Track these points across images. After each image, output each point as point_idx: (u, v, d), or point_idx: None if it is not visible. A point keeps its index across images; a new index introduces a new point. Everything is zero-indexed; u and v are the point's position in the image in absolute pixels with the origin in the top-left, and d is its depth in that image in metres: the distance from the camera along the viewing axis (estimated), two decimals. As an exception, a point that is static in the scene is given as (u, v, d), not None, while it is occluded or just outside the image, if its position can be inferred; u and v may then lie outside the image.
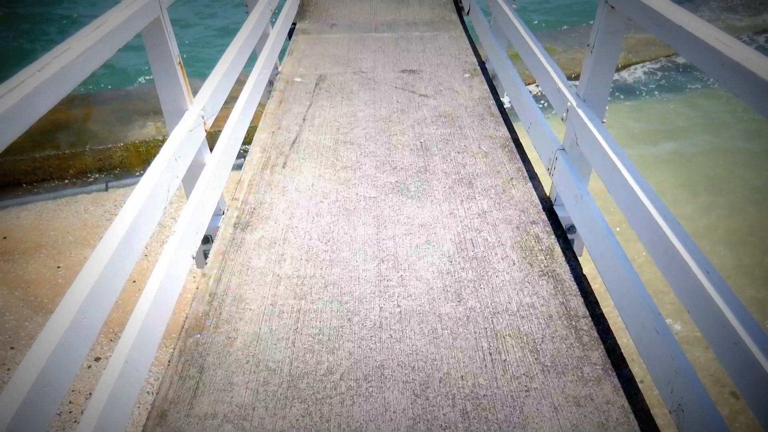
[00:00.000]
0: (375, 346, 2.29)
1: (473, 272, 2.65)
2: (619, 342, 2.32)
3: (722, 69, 1.63)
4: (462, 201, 3.15)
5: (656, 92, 8.64)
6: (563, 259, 2.74)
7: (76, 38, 1.88)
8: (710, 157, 7.07)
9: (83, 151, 6.34)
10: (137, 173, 6.35)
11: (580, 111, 2.73)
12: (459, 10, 6.18)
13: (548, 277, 2.63)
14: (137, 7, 2.27)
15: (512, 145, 3.71)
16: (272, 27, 4.71)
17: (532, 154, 3.58)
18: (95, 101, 7.44)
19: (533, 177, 3.38)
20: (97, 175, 6.35)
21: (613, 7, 2.48)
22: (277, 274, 2.67)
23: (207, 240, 2.87)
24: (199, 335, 2.36)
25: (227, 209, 3.13)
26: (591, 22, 2.86)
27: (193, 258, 2.49)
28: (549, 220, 3.01)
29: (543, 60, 3.33)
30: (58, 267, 4.92)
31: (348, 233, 2.92)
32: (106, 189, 6.09)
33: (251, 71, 3.99)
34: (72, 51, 1.79)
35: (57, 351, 1.46)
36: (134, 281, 4.56)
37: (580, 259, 2.80)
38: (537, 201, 3.16)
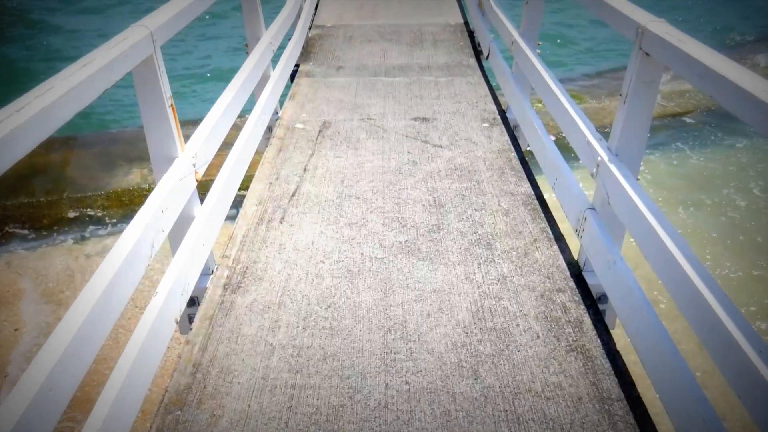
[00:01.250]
0: (380, 429, 2.23)
1: (492, 346, 2.61)
2: (659, 430, 2.25)
3: (773, 125, 1.64)
4: (479, 264, 3.13)
5: (698, 147, 8.71)
6: (594, 332, 2.69)
7: (61, 77, 1.91)
8: (762, 221, 7.04)
9: (60, 199, 6.40)
10: (118, 224, 6.39)
11: (612, 166, 2.73)
12: (477, 53, 6.31)
13: (577, 353, 2.58)
14: (129, 44, 2.32)
15: (536, 202, 3.71)
16: (273, 69, 4.81)
17: (558, 214, 3.58)
18: (77, 145, 7.56)
19: (559, 239, 3.37)
20: (73, 226, 6.39)
21: (648, 54, 2.51)
22: (270, 344, 2.63)
23: (193, 302, 2.84)
24: (179, 412, 2.31)
25: (217, 268, 3.12)
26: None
27: (177, 322, 2.46)
28: (577, 287, 2.98)
29: (570, 109, 3.36)
30: (15, 330, 4.87)
31: (351, 298, 2.89)
32: (83, 241, 6.11)
33: (249, 116, 4.05)
34: (55, 90, 1.81)
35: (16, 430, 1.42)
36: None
37: (612, 332, 2.75)
38: (564, 266, 3.13)
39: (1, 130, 1.54)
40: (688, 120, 9.32)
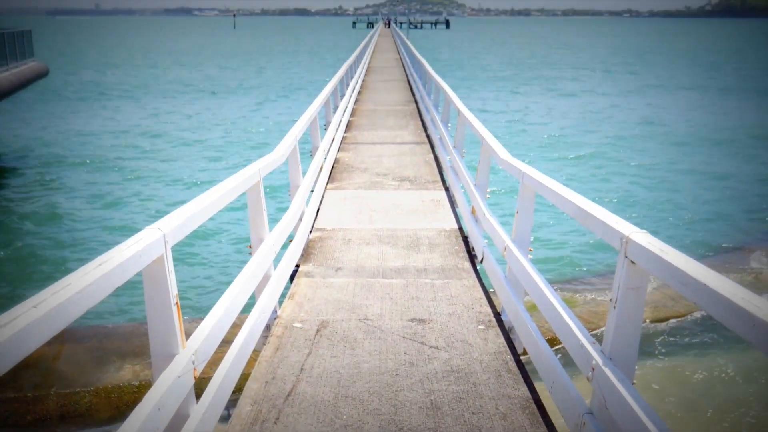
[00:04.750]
0: None
1: None
2: None
3: (753, 330, 1.72)
4: (478, 471, 3.04)
5: (694, 351, 8.70)
6: None
7: (77, 275, 2.02)
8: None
9: (47, 394, 6.26)
10: (103, 425, 6.18)
11: (606, 370, 2.77)
12: (472, 257, 6.55)
13: None
14: (142, 245, 2.47)
15: (533, 406, 3.68)
16: (274, 269, 4.98)
17: (557, 419, 3.54)
18: (70, 338, 7.55)
19: (559, 445, 3.29)
20: (59, 425, 6.18)
21: (633, 263, 2.66)
22: None
23: None
24: None
25: (206, 470, 3.01)
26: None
27: None
28: (580, 498, 2.86)
29: (563, 313, 3.46)
30: None
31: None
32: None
33: (249, 314, 4.13)
34: (71, 288, 1.92)
35: None
36: None
37: None
38: (565, 474, 3.04)
39: (18, 324, 1.62)
40: (684, 324, 9.41)
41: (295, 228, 6.15)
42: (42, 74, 21.16)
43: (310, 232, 7.16)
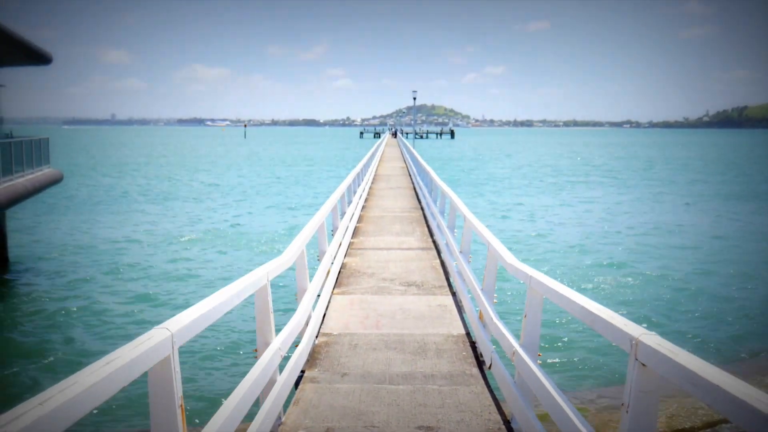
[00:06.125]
0: None
1: None
2: None
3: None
4: None
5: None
6: None
7: (86, 372, 2.02)
8: None
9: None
10: None
11: (622, 480, 2.68)
12: (480, 363, 6.44)
13: None
14: (150, 345, 2.47)
15: None
16: (280, 373, 4.92)
17: None
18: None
19: None
20: None
21: (644, 365, 2.63)
22: None
23: None
24: None
25: None
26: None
27: None
28: None
29: (576, 421, 3.38)
30: None
31: None
32: None
33: (251, 423, 4.05)
34: (78, 385, 1.91)
35: None
36: None
37: None
38: None
39: (24, 421, 1.61)
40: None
41: (302, 332, 6.12)
42: (56, 180, 21.67)
43: (317, 336, 7.10)
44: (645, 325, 2.91)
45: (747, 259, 21.46)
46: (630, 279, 18.29)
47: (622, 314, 3.23)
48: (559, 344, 12.67)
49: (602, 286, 17.54)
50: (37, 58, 19.74)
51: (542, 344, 4.97)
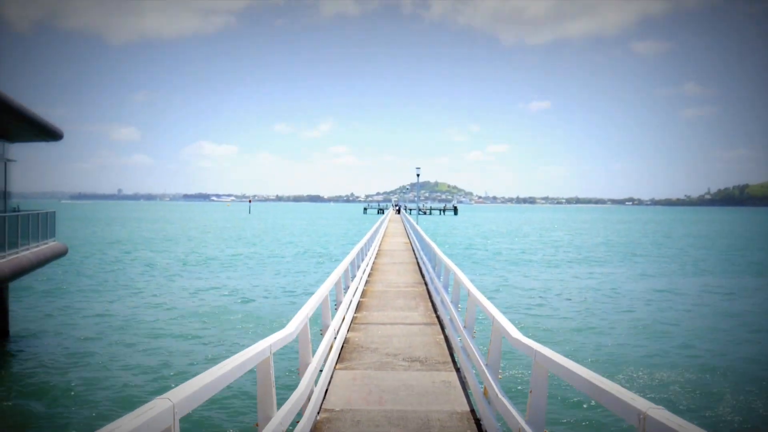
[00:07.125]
0: None
1: None
2: None
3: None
4: None
5: None
6: None
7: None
8: None
9: None
10: None
11: None
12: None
13: None
14: (150, 415, 2.44)
15: None
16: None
17: None
18: None
19: None
20: None
21: (653, 441, 2.58)
22: None
23: None
24: None
25: None
26: (632, 456, 2.93)
27: None
28: None
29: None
30: None
31: None
32: None
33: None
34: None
35: None
36: None
37: None
38: None
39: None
40: None
41: (303, 407, 6.01)
42: (60, 254, 21.71)
43: (318, 412, 6.97)
44: (652, 396, 2.87)
45: (759, 338, 21.18)
46: (639, 352, 18.02)
47: (628, 388, 3.18)
48: (566, 419, 12.36)
49: (608, 360, 17.26)
50: (49, 134, 20.14)
51: (549, 420, 4.86)
